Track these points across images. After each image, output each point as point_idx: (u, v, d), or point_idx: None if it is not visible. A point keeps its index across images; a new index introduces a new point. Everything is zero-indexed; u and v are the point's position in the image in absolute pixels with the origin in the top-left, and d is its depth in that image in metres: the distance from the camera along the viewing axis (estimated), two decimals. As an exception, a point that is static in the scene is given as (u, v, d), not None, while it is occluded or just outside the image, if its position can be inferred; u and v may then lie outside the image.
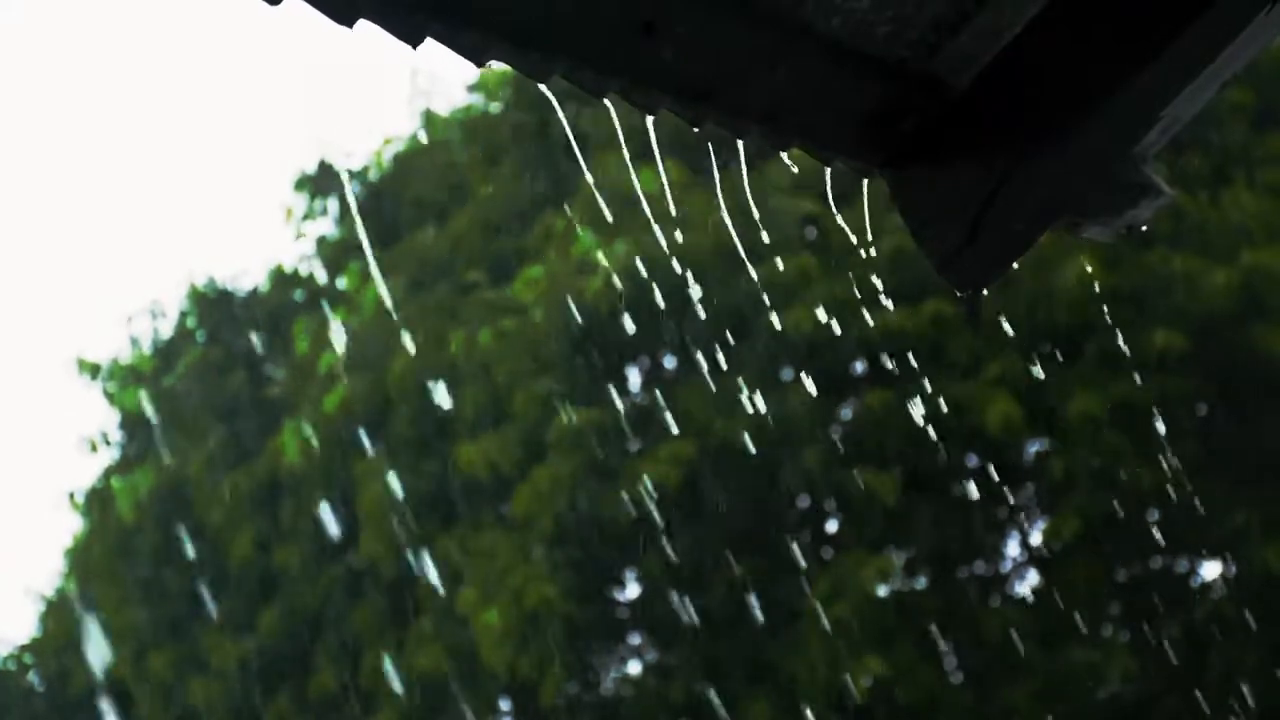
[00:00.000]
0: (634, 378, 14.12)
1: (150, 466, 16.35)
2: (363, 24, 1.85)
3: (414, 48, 1.89)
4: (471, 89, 16.27)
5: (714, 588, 12.89)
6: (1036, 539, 13.63)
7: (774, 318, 12.80)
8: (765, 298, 12.89)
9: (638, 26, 2.05)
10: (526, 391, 13.34)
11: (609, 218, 12.90)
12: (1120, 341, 12.54)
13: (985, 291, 2.60)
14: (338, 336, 14.88)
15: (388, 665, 14.00)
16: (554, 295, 13.30)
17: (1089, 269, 12.39)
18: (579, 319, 13.09)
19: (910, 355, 12.46)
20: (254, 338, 16.90)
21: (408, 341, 14.10)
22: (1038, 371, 12.59)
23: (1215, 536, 12.92)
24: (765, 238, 12.52)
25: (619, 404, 13.43)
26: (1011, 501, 13.64)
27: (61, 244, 34.57)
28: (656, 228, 13.18)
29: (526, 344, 13.43)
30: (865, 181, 2.54)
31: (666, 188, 13.28)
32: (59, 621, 17.32)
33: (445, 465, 13.85)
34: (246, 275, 17.58)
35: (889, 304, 12.33)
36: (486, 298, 14.17)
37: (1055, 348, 12.59)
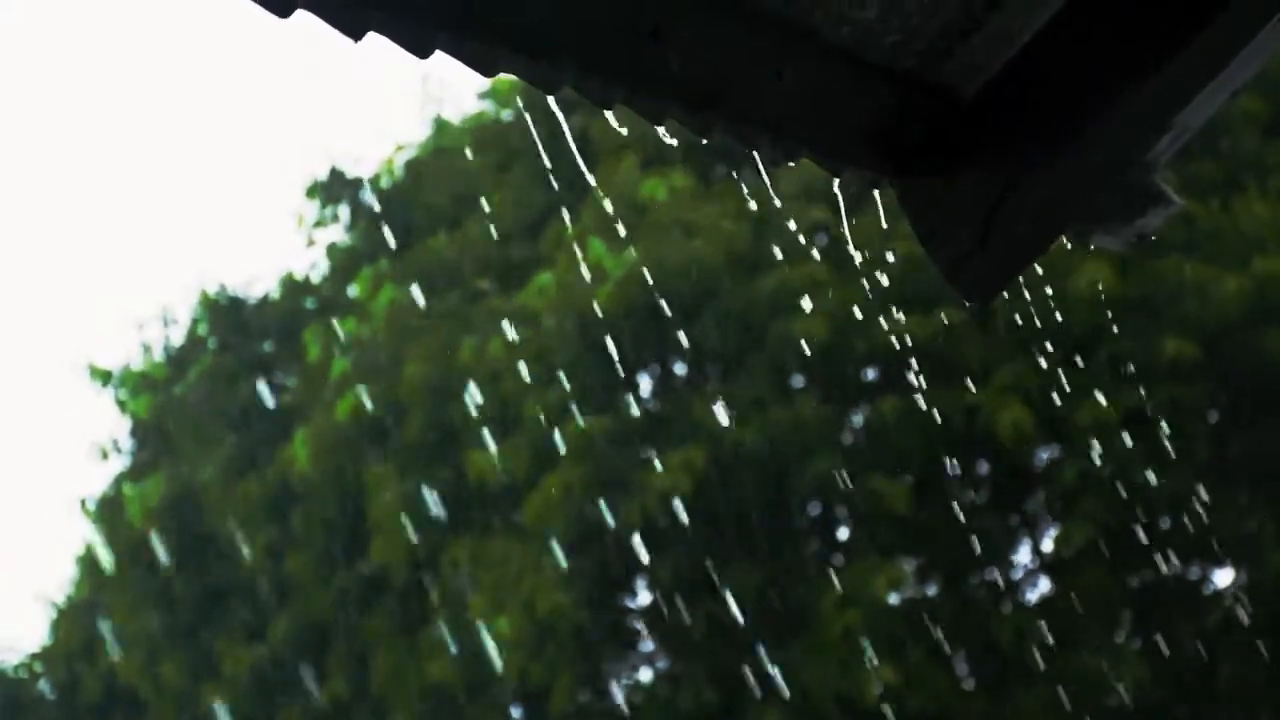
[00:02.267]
0: (645, 385, 14.12)
1: (162, 474, 16.36)
2: (372, 35, 1.85)
3: (422, 59, 1.89)
4: (482, 96, 16.30)
5: (725, 595, 12.87)
6: (1048, 546, 13.62)
7: (785, 325, 12.80)
8: (776, 305, 12.89)
9: (644, 33, 2.05)
10: (537, 399, 13.34)
11: (619, 225, 12.90)
12: (1132, 349, 12.53)
13: (995, 300, 2.60)
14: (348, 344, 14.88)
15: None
16: (564, 303, 13.30)
17: (1100, 276, 12.38)
18: (589, 326, 13.09)
19: (921, 362, 12.46)
20: (265, 345, 16.92)
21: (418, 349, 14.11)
22: (1049, 378, 12.57)
23: (1227, 543, 12.90)
24: (776, 246, 12.52)
25: (630, 411, 13.43)
26: (1023, 508, 13.63)
27: (71, 250, 34.59)
28: (667, 235, 13.19)
29: (537, 351, 13.42)
30: (876, 191, 2.53)
31: (676, 196, 13.29)
32: (70, 629, 17.32)
33: (456, 473, 13.85)
34: (258, 283, 17.60)
35: (900, 311, 12.31)
36: (497, 305, 14.17)
37: (1066, 355, 12.57)
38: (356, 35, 1.83)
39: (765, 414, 12.71)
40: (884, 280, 11.98)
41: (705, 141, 2.23)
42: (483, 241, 15.08)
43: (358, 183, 16.92)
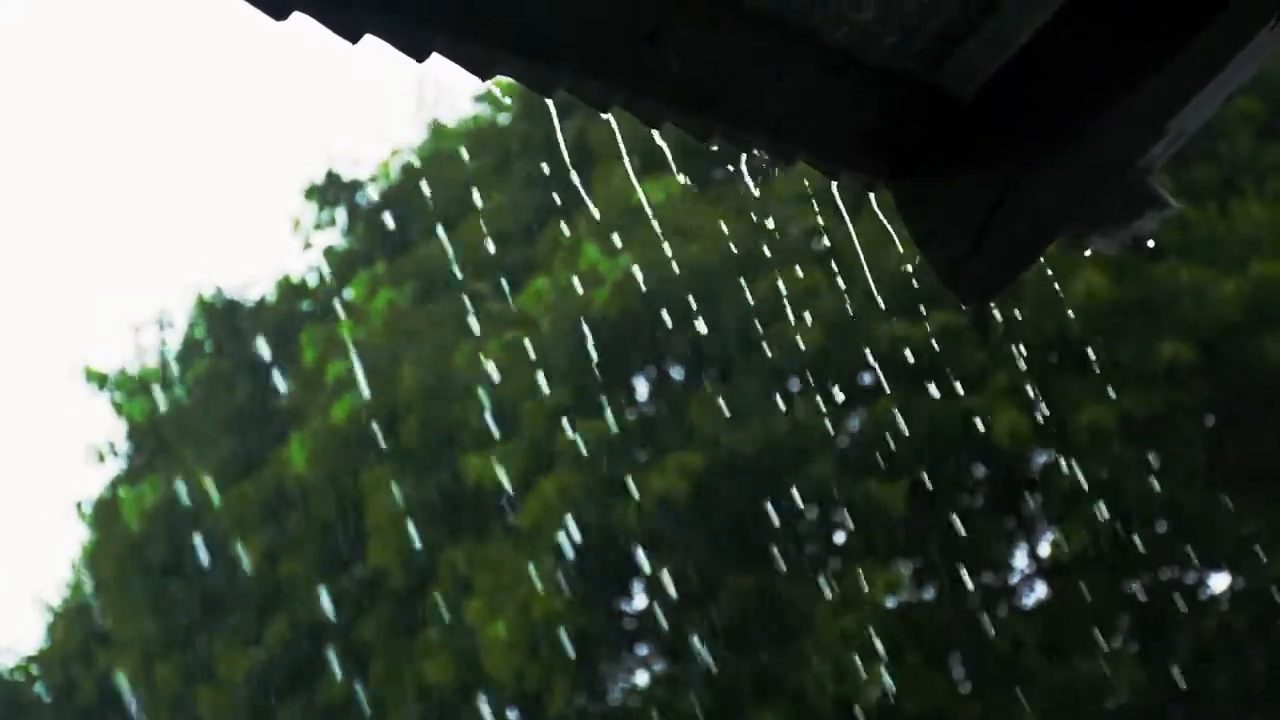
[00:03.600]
0: (641, 389, 14.10)
1: (158, 477, 16.34)
2: (368, 38, 1.84)
3: (419, 62, 1.89)
4: (479, 99, 16.29)
5: (722, 599, 12.86)
6: (1045, 550, 13.61)
7: (782, 329, 12.78)
8: (772, 309, 12.87)
9: (642, 34, 2.04)
10: (533, 403, 13.32)
11: (615, 229, 12.89)
12: (1129, 352, 12.52)
13: (991, 302, 2.59)
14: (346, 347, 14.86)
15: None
16: (561, 306, 13.29)
17: (1097, 280, 12.37)
18: (586, 330, 13.07)
19: (918, 366, 12.44)
20: (261, 348, 16.89)
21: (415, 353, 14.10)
22: (1046, 382, 12.56)
23: (1224, 547, 12.89)
24: (772, 249, 12.52)
25: (626, 415, 13.41)
26: (1020, 512, 13.62)
27: (67, 251, 34.53)
28: (663, 239, 13.18)
29: (533, 355, 13.41)
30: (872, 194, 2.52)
31: (673, 199, 13.29)
32: (66, 632, 17.30)
33: (453, 476, 13.83)
34: (254, 286, 17.58)
35: (896, 316, 12.30)
36: (493, 309, 14.16)
37: (1064, 358, 12.56)
38: (353, 37, 1.83)
39: (762, 417, 12.70)
40: (881, 283, 11.98)
41: (704, 145, 2.22)
42: (479, 245, 15.06)
43: (354, 186, 16.92)
